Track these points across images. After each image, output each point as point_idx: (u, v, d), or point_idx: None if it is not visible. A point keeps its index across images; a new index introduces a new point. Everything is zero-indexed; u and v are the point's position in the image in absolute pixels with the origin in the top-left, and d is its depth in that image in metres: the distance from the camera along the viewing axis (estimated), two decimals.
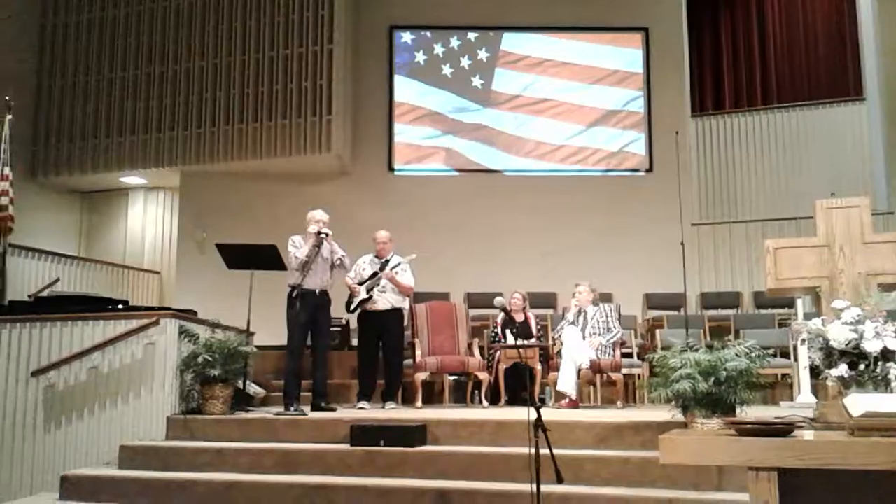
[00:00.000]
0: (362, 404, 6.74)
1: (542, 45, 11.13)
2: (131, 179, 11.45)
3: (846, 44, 11.84)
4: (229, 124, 10.45)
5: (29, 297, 8.37)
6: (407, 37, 11.17)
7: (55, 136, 11.00)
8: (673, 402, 4.53)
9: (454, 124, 11.01)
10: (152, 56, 10.88)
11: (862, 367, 3.10)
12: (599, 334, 7.01)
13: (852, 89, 11.59)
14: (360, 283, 6.98)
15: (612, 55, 11.09)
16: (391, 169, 10.94)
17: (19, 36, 10.90)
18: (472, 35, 11.15)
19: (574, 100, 11.01)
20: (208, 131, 10.51)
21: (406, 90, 11.08)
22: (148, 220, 11.99)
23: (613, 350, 7.00)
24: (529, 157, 10.96)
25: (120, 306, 7.33)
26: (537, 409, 3.68)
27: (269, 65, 10.48)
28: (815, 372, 4.38)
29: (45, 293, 8.68)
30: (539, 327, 8.00)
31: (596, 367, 6.86)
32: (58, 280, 9.53)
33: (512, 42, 11.17)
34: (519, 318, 7.70)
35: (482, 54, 11.13)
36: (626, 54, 11.10)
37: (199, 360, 5.96)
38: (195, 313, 6.95)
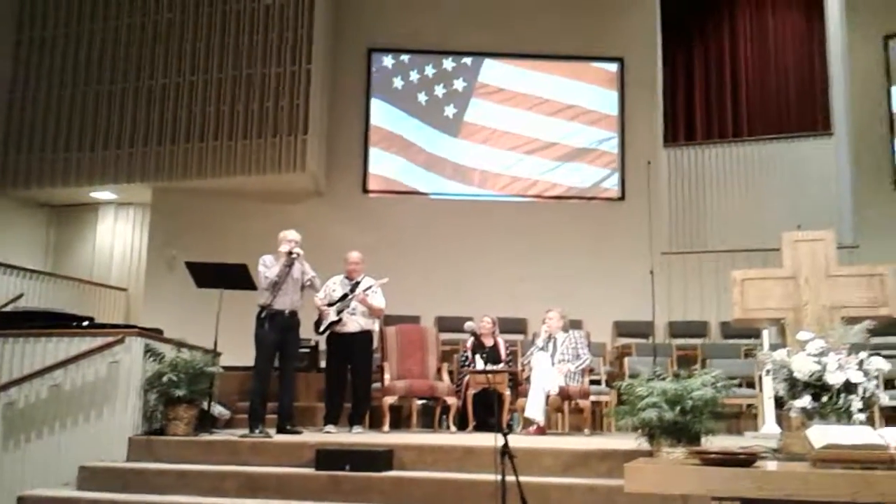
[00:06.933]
0: (329, 428, 6.66)
1: (519, 79, 11.20)
2: (102, 194, 11.32)
3: (815, 80, 12.10)
4: (203, 141, 10.38)
5: None
6: (388, 61, 11.21)
7: (25, 149, 10.85)
8: (639, 431, 4.55)
9: (428, 154, 11.04)
10: (127, 71, 10.80)
11: (825, 398, 3.14)
12: (568, 361, 7.00)
13: (820, 124, 11.81)
14: (330, 305, 6.92)
15: (586, 93, 11.19)
16: (365, 191, 10.93)
17: None
18: (448, 65, 11.20)
19: (547, 136, 11.07)
20: (182, 148, 10.42)
21: (382, 114, 11.10)
22: (117, 236, 11.84)
23: (582, 377, 7.01)
24: (500, 190, 11.02)
25: (85, 323, 7.20)
26: (505, 436, 3.68)
27: (246, 83, 10.44)
28: (779, 403, 4.43)
29: (8, 308, 8.53)
30: (509, 353, 7.98)
31: (564, 394, 6.85)
32: (22, 295, 9.37)
33: (489, 74, 11.22)
34: (488, 342, 7.70)
35: (458, 84, 11.18)
36: (600, 94, 11.21)
37: (164, 379, 5.87)
38: (161, 332, 6.86)
